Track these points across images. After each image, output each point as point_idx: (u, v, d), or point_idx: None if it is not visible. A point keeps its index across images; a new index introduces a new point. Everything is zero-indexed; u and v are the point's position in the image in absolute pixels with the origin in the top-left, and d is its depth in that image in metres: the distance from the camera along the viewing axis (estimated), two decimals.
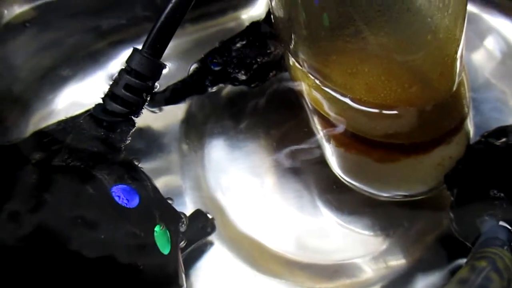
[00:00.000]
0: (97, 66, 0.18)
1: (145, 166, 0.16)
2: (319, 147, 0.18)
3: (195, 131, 0.20)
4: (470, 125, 0.18)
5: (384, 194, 0.18)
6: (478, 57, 0.22)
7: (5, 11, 0.15)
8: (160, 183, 0.17)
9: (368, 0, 0.13)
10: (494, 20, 0.22)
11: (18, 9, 0.17)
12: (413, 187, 0.17)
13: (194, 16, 0.20)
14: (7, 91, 0.16)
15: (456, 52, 0.15)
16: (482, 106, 0.21)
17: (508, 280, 0.10)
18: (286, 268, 0.18)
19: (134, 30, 0.18)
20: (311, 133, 0.18)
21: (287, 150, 0.20)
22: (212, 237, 0.17)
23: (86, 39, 0.18)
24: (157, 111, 0.18)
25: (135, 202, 0.14)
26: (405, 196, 0.18)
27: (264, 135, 0.20)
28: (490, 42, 0.22)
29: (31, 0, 0.17)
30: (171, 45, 0.18)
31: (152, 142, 0.19)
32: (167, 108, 0.19)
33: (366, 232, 0.19)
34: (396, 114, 0.15)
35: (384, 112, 0.15)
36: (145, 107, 0.17)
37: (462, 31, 0.15)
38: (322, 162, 0.18)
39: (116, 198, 0.13)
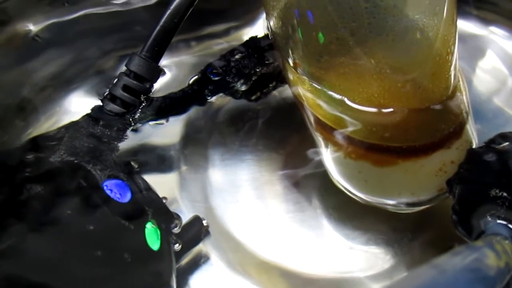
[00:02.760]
0: (102, 79, 0.19)
1: (144, 177, 0.16)
2: (320, 161, 0.18)
3: (195, 146, 0.20)
4: (472, 133, 0.17)
5: (387, 201, 0.17)
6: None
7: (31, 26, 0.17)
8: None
9: (357, 4, 0.14)
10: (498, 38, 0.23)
11: (33, 26, 0.18)
12: (416, 193, 0.17)
13: (200, 35, 0.21)
14: (18, 101, 0.17)
15: (447, 54, 0.15)
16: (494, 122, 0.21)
17: (507, 263, 0.10)
18: (287, 281, 0.17)
19: (135, 47, 0.19)
20: (312, 147, 0.18)
21: (289, 164, 0.20)
22: (209, 248, 0.17)
23: (93, 54, 0.19)
24: (162, 122, 0.19)
25: (127, 197, 0.14)
26: (409, 204, 0.17)
27: (267, 151, 0.20)
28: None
29: (45, 19, 0.18)
30: (175, 59, 0.19)
31: (152, 154, 0.19)
32: (168, 123, 0.20)
33: (371, 247, 0.18)
34: (391, 114, 0.15)
35: (379, 112, 0.15)
36: (148, 121, 0.18)
37: (453, 32, 0.15)
38: (324, 175, 0.18)
39: (108, 192, 0.13)
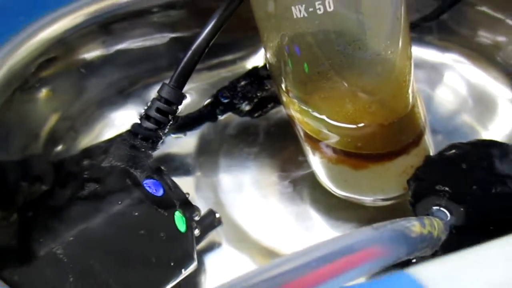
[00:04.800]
0: (135, 101, 0.24)
1: None
2: (309, 165, 0.23)
3: (208, 155, 0.24)
4: (429, 143, 0.22)
5: (366, 198, 0.22)
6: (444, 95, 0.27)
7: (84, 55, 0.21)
8: None
9: (332, 48, 0.18)
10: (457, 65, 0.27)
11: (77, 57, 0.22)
12: (386, 191, 0.21)
13: (210, 65, 0.25)
14: (67, 119, 0.22)
15: (404, 80, 0.20)
16: (453, 135, 0.26)
17: (429, 232, 0.14)
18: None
19: (162, 74, 0.24)
20: (303, 155, 0.22)
21: (287, 172, 0.24)
22: (221, 238, 0.21)
23: (126, 81, 0.24)
24: (181, 135, 0.23)
25: (160, 192, 0.18)
26: (382, 199, 0.21)
27: (267, 158, 0.25)
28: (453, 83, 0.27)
29: (88, 53, 0.23)
30: (193, 85, 0.24)
31: (174, 161, 0.23)
32: (186, 136, 0.24)
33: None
34: (362, 129, 0.19)
35: (353, 127, 0.19)
36: (170, 134, 0.23)
37: (408, 64, 0.20)
38: (312, 177, 0.23)
39: (147, 188, 0.18)
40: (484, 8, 0.25)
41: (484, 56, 0.26)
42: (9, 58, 0.19)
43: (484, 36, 0.25)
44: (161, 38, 0.24)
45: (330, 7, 0.16)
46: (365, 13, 0.17)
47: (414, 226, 0.13)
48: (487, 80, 0.26)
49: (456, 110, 0.26)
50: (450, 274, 0.09)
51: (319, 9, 0.16)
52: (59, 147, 0.22)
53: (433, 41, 0.26)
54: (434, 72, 0.26)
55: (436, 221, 0.15)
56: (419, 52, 0.26)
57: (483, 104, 0.26)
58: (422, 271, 0.09)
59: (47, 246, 0.16)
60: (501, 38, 0.25)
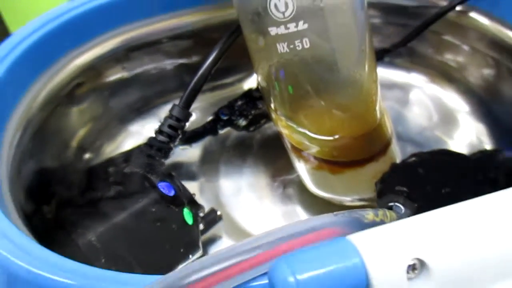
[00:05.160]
0: (150, 117, 0.28)
1: None
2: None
3: (211, 163, 0.28)
4: (396, 152, 0.26)
5: (344, 198, 0.25)
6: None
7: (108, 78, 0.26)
8: None
9: (310, 74, 0.22)
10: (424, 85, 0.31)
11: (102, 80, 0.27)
12: (360, 193, 0.25)
13: (212, 87, 0.30)
14: (93, 131, 0.26)
15: (372, 100, 0.24)
16: (422, 146, 0.30)
17: (382, 220, 0.18)
18: None
19: (171, 95, 0.28)
20: (291, 163, 0.26)
21: (278, 177, 0.28)
22: (222, 232, 0.25)
23: (142, 101, 0.28)
24: (187, 147, 0.27)
25: (172, 193, 0.22)
26: (360, 200, 0.25)
27: (261, 166, 0.29)
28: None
29: (110, 76, 0.27)
30: (197, 105, 0.28)
31: (181, 168, 0.27)
32: (192, 148, 0.28)
33: None
34: (337, 140, 0.23)
35: (330, 139, 0.23)
36: (178, 146, 0.27)
37: (374, 88, 0.24)
38: (299, 181, 0.27)
39: (161, 189, 0.22)
40: (445, 36, 0.29)
41: (445, 76, 0.30)
42: (51, 80, 0.23)
43: (446, 59, 0.30)
44: (171, 65, 0.28)
45: (306, 45, 0.21)
46: (336, 47, 0.21)
47: (368, 214, 0.17)
48: (449, 97, 0.30)
49: (423, 124, 0.30)
50: (379, 238, 0.13)
51: (298, 46, 0.21)
52: (87, 156, 0.26)
53: (402, 64, 0.30)
54: (404, 91, 0.30)
55: (390, 213, 0.19)
56: (390, 74, 0.31)
57: (447, 118, 0.30)
58: (357, 236, 0.13)
59: (84, 235, 0.20)
60: (459, 60, 0.29)
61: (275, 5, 0.20)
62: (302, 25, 0.20)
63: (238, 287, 0.13)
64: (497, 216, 0.13)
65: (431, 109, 0.30)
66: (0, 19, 0.42)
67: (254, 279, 0.13)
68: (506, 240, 0.12)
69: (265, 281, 0.13)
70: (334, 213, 0.16)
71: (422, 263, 0.12)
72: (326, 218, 0.15)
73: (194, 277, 0.13)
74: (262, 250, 0.13)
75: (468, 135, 0.29)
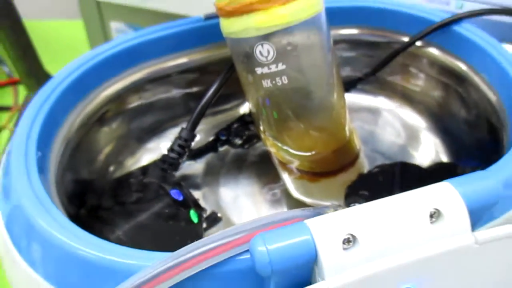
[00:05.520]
0: (162, 137, 0.34)
1: None
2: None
3: (212, 175, 0.34)
4: (363, 163, 0.31)
5: (324, 203, 0.31)
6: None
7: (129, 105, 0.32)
8: None
9: (290, 102, 0.28)
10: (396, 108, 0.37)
11: (124, 107, 0.33)
12: (334, 197, 0.30)
13: (213, 112, 0.36)
14: (117, 148, 0.32)
15: (341, 122, 0.29)
16: (391, 159, 0.35)
17: None
18: None
19: (180, 119, 0.34)
20: (278, 174, 0.32)
21: (268, 185, 0.34)
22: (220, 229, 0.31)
23: (156, 124, 0.34)
24: (193, 162, 0.33)
25: (181, 198, 0.28)
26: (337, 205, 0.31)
27: (254, 177, 0.34)
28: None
29: (130, 103, 0.33)
30: (201, 127, 0.34)
31: (188, 179, 0.33)
32: (196, 162, 0.34)
33: None
34: (314, 155, 0.29)
35: (308, 154, 0.29)
36: (186, 161, 0.33)
37: (343, 112, 0.29)
38: (287, 190, 0.32)
39: (173, 195, 0.27)
40: (407, 66, 0.35)
41: (408, 98, 0.36)
42: (86, 108, 0.29)
43: (408, 84, 0.35)
44: (179, 94, 0.34)
45: (285, 81, 0.26)
46: (309, 81, 0.27)
47: (329, 210, 0.22)
48: (411, 116, 0.36)
49: (391, 140, 0.35)
50: (325, 221, 0.18)
51: (279, 82, 0.26)
52: (111, 168, 0.32)
53: (371, 90, 0.36)
54: (373, 113, 0.36)
55: None
56: (362, 99, 0.36)
57: (411, 134, 0.35)
58: (311, 221, 0.18)
59: (113, 232, 0.25)
60: (418, 85, 0.35)
61: (260, 51, 0.26)
62: (281, 66, 0.26)
63: (232, 258, 0.19)
64: (411, 204, 0.18)
65: (398, 127, 0.36)
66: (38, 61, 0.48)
67: (240, 254, 0.19)
68: (413, 223, 0.18)
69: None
70: (302, 208, 0.22)
71: (354, 237, 0.17)
72: (296, 211, 0.21)
73: (193, 253, 0.18)
74: (246, 233, 0.19)
75: (429, 149, 0.34)
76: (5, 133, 0.51)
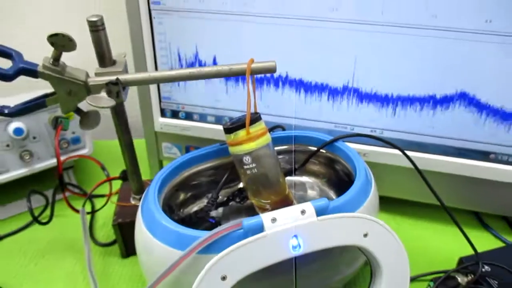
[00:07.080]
0: (200, 200, 0.71)
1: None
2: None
3: (227, 214, 0.70)
4: (294, 200, 0.67)
5: None
6: None
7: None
8: None
9: (259, 183, 0.65)
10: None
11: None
12: None
13: (226, 186, 0.73)
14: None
15: (285, 189, 0.65)
16: None
17: None
18: None
19: (207, 193, 0.72)
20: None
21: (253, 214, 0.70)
22: None
23: (192, 198, 0.72)
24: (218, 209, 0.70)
25: (213, 221, 0.64)
26: None
27: (246, 215, 0.70)
28: None
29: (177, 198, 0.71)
30: (221, 193, 0.72)
31: (216, 215, 0.70)
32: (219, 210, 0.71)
33: None
34: (271, 202, 0.65)
35: (268, 201, 0.65)
36: (214, 208, 0.70)
37: (285, 185, 0.66)
38: None
39: (210, 220, 0.64)
40: (317, 161, 0.74)
41: (316, 175, 0.73)
42: (172, 182, 0.67)
43: (315, 168, 0.74)
44: (206, 181, 0.72)
45: (256, 171, 0.64)
46: (267, 171, 0.64)
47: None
48: (320, 182, 0.73)
49: (311, 195, 0.72)
50: (266, 213, 0.54)
51: (253, 171, 0.64)
52: (181, 209, 0.68)
53: (300, 174, 0.74)
54: (302, 185, 0.73)
55: None
56: (295, 178, 0.74)
57: (320, 191, 0.73)
58: (265, 213, 0.54)
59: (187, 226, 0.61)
60: (320, 168, 0.74)
61: (245, 159, 0.64)
62: (254, 165, 0.64)
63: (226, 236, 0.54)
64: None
65: (315, 187, 0.73)
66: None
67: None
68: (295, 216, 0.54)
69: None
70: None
71: (274, 219, 0.53)
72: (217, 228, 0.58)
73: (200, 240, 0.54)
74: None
75: (327, 194, 0.71)
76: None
